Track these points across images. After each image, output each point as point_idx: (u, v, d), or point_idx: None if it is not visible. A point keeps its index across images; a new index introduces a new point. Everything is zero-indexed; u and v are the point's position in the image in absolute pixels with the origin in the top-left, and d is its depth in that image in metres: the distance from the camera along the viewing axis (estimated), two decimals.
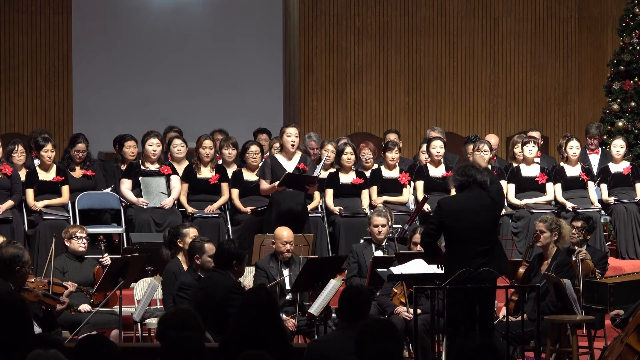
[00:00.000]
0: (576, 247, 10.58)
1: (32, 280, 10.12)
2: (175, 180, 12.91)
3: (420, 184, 13.23)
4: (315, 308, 9.93)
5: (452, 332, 9.04)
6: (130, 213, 12.76)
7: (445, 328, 9.25)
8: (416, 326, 9.56)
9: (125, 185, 12.92)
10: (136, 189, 12.87)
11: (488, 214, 9.14)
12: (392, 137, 14.17)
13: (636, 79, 15.00)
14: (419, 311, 9.59)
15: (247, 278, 10.73)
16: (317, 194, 12.98)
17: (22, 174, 12.75)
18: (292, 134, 12.71)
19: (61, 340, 7.36)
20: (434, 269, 9.40)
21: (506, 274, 10.36)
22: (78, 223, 12.19)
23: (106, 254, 11.11)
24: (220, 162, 13.22)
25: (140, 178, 12.90)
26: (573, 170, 13.63)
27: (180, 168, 13.05)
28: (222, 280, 9.03)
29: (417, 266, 9.62)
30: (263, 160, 13.07)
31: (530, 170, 13.52)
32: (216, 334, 8.30)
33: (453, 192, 12.98)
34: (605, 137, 14.54)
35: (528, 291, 9.68)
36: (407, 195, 13.25)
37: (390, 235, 11.24)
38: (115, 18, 17.02)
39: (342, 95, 16.89)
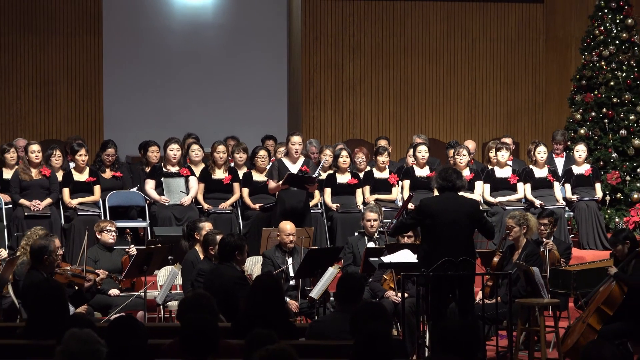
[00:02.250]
0: (544, 240, 10.60)
1: (68, 267, 10.15)
2: (193, 180, 12.92)
3: (407, 183, 13.26)
4: (315, 292, 9.94)
5: (435, 313, 9.08)
6: (154, 209, 12.77)
7: (429, 310, 9.27)
8: (403, 308, 9.57)
9: (149, 185, 12.92)
10: (159, 188, 12.87)
11: (465, 216, 9.16)
12: (382, 142, 14.18)
13: (596, 92, 15.00)
14: (406, 295, 9.62)
15: (256, 266, 10.75)
16: (317, 193, 13.00)
17: (59, 175, 12.75)
18: (296, 142, 12.81)
19: (94, 321, 7.38)
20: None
21: (482, 263, 10.42)
22: (108, 218, 12.21)
23: (132, 245, 11.11)
24: (232, 164, 13.22)
25: (162, 179, 12.90)
26: (541, 172, 13.64)
27: (198, 170, 13.05)
28: (228, 272, 9.06)
29: (405, 256, 9.63)
30: (271, 163, 13.10)
31: (503, 172, 13.53)
32: (225, 317, 8.33)
33: (436, 192, 13.13)
34: (569, 143, 14.54)
35: (501, 277, 9.69)
36: (395, 194, 13.26)
37: (381, 228, 11.23)
38: (140, 39, 17.02)
39: (339, 106, 16.89)
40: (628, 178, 14.80)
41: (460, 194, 9.42)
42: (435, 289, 9.03)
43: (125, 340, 5.78)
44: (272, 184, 12.69)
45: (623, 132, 14.90)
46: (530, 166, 13.76)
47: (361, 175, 13.28)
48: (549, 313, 10.05)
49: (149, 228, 12.67)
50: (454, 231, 9.02)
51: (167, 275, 10.50)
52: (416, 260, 9.40)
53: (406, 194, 13.02)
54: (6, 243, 11.69)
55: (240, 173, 13.05)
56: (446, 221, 9.02)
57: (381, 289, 10.28)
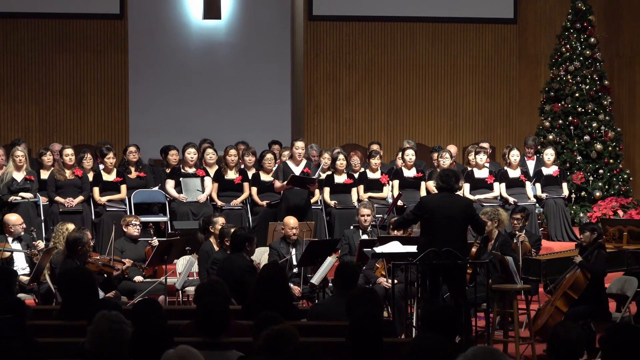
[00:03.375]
0: (517, 232, 10.60)
1: (98, 257, 10.17)
2: (207, 180, 12.93)
3: (396, 183, 13.26)
4: (315, 279, 9.95)
5: (426, 297, 9.10)
6: (173, 206, 12.78)
7: (417, 294, 9.28)
8: (393, 293, 9.60)
9: (169, 184, 12.93)
10: (177, 187, 12.88)
11: (460, 213, 9.18)
12: (374, 147, 14.18)
13: (563, 103, 15.01)
14: (395, 281, 9.63)
15: (263, 256, 10.75)
16: (317, 191, 13.00)
17: (90, 175, 12.75)
18: (299, 147, 12.91)
19: (120, 304, 7.38)
20: (407, 248, 9.44)
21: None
22: (133, 213, 12.22)
23: (155, 237, 11.12)
24: (242, 166, 13.23)
25: (181, 179, 12.91)
26: (514, 173, 13.64)
27: (212, 171, 13.06)
28: (239, 262, 9.08)
29: (394, 247, 9.63)
30: (277, 165, 13.11)
31: (481, 173, 13.53)
32: (236, 301, 8.34)
33: (423, 188, 13.15)
34: (539, 147, 14.54)
35: (479, 266, 9.71)
36: (386, 192, 13.26)
37: (374, 223, 11.23)
38: (161, 56, 17.02)
39: (336, 115, 16.88)
40: (591, 178, 14.82)
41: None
42: (429, 276, 9.07)
43: (148, 321, 5.78)
44: (277, 184, 12.72)
45: (587, 137, 14.92)
46: (505, 168, 13.76)
47: (356, 175, 13.28)
48: (522, 297, 10.06)
49: (169, 222, 12.67)
50: (449, 225, 9.05)
51: (185, 264, 10.51)
52: (405, 251, 9.43)
53: (396, 192, 13.04)
54: (43, 235, 11.69)
55: (250, 174, 13.05)
56: (442, 216, 9.05)
57: (374, 275, 10.28)
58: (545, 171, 13.93)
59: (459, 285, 9.12)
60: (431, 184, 12.72)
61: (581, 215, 14.37)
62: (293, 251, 10.56)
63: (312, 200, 12.84)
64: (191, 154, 13.01)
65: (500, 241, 10.09)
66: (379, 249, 9.68)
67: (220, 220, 10.46)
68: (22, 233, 10.59)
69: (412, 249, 9.33)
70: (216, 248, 10.07)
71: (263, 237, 11.70)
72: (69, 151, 12.72)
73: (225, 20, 17.18)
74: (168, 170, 13.25)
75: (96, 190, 12.64)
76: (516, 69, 17.08)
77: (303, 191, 12.63)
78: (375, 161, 13.34)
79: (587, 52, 15.11)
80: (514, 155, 13.68)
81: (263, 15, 17.26)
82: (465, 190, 13.29)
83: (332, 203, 12.92)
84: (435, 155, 13.63)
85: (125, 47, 16.37)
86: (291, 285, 9.58)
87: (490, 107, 17.02)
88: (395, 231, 10.46)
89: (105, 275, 9.90)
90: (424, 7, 16.79)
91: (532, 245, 10.80)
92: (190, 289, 10.24)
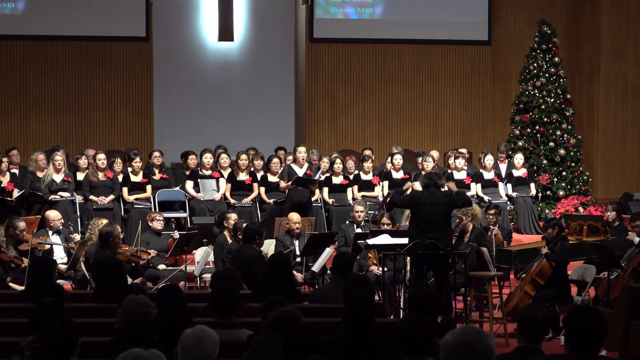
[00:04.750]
0: (491, 227, 10.61)
1: (127, 248, 10.17)
2: (222, 181, 12.92)
3: (386, 184, 13.25)
4: (316, 267, 9.95)
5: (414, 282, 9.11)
6: (192, 203, 12.77)
7: (404, 280, 9.28)
8: (383, 279, 9.61)
9: (189, 184, 12.92)
10: (196, 187, 12.88)
11: (441, 205, 9.22)
12: (367, 152, 14.16)
13: (530, 114, 15.01)
14: (385, 269, 9.64)
15: (270, 247, 10.75)
16: (317, 191, 13.00)
17: (120, 177, 12.76)
18: (301, 152, 12.99)
19: (146, 289, 7.39)
20: (396, 240, 9.45)
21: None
22: (157, 210, 12.22)
23: (176, 231, 11.14)
24: (252, 169, 13.22)
25: (198, 180, 12.90)
26: (488, 175, 13.65)
27: (226, 173, 13.04)
28: (249, 252, 9.08)
29: (384, 239, 9.64)
30: (282, 168, 13.12)
31: (460, 175, 13.52)
32: (246, 286, 8.34)
33: (408, 185, 13.13)
34: (510, 152, 14.55)
35: (458, 255, 9.71)
36: (377, 192, 13.25)
37: (367, 218, 11.24)
38: (182, 73, 17.01)
39: (334, 124, 16.87)
40: (555, 179, 14.82)
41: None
42: (414, 264, 9.09)
43: (171, 303, 5.78)
44: (282, 184, 12.74)
45: (551, 144, 14.92)
46: (481, 170, 13.77)
47: (351, 177, 13.27)
48: (495, 283, 10.06)
49: (188, 218, 12.66)
50: (433, 216, 9.13)
51: (202, 254, 10.51)
52: (393, 242, 9.44)
53: (386, 191, 13.03)
54: (79, 229, 11.70)
55: (258, 175, 13.04)
56: (427, 208, 9.14)
57: (366, 264, 10.28)
58: (516, 173, 13.93)
59: (442, 272, 9.13)
60: (417, 185, 12.71)
61: (547, 211, 14.37)
62: (296, 243, 10.56)
63: (313, 199, 12.84)
64: (208, 158, 13.01)
65: (476, 234, 10.10)
66: (371, 241, 9.69)
67: (233, 216, 10.47)
68: (61, 227, 10.59)
69: (400, 241, 9.34)
70: (229, 240, 10.07)
71: (270, 230, 11.70)
72: (101, 156, 12.74)
73: (238, 43, 17.18)
74: (187, 173, 13.25)
75: (125, 190, 12.64)
76: (490, 84, 17.08)
77: (305, 190, 12.66)
78: (367, 164, 13.34)
79: (552, 69, 15.11)
80: (488, 160, 13.69)
81: (270, 38, 17.27)
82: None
83: (330, 201, 12.92)
84: (420, 159, 13.63)
85: (150, 65, 16.37)
86: (295, 272, 9.59)
87: (467, 118, 17.01)
88: (385, 226, 10.47)
89: (133, 264, 9.89)
90: (410, 31, 16.79)
91: (504, 238, 10.81)
92: (207, 276, 10.26)
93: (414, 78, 16.94)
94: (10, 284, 9.18)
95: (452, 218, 9.83)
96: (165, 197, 12.89)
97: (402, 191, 9.80)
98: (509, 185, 13.82)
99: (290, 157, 13.62)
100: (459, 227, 10.25)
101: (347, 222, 11.55)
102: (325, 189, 13.06)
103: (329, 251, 10.00)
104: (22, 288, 8.65)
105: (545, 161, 14.91)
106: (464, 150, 14.45)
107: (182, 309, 5.62)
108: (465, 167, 13.78)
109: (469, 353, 3.82)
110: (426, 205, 9.15)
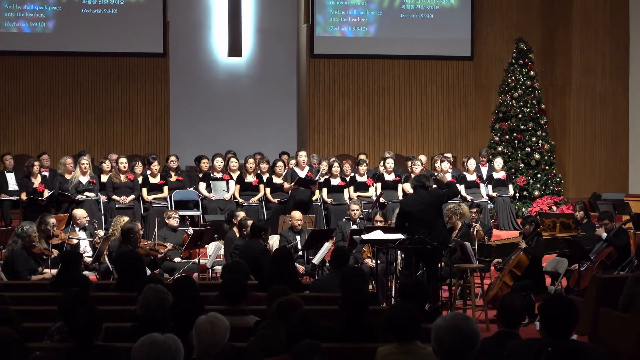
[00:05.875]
0: (473, 223, 10.61)
1: (146, 242, 10.16)
2: (231, 183, 12.92)
3: (379, 185, 13.26)
4: (316, 259, 9.95)
5: (406, 274, 9.11)
6: (205, 203, 12.77)
7: (395, 272, 9.26)
8: (377, 271, 9.60)
9: (202, 186, 12.93)
10: (208, 188, 12.89)
11: (429, 205, 9.20)
12: (362, 156, 14.17)
13: (509, 122, 15.03)
14: (378, 262, 9.63)
15: (275, 242, 10.75)
16: (317, 191, 13.00)
17: (140, 179, 12.77)
18: (302, 156, 13.02)
19: (163, 279, 7.38)
20: (388, 236, 9.44)
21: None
22: (173, 208, 12.21)
23: (190, 227, 11.12)
24: (259, 172, 13.23)
25: (210, 182, 12.91)
26: (471, 177, 13.65)
27: (235, 175, 13.05)
28: (256, 246, 9.07)
29: (377, 234, 9.63)
30: (285, 170, 13.11)
31: (445, 177, 13.53)
32: (253, 277, 8.34)
33: (400, 188, 13.14)
34: (490, 156, 14.56)
35: (444, 249, 9.70)
36: (371, 192, 13.26)
37: (362, 216, 11.25)
38: (195, 85, 17.02)
39: (332, 132, 16.86)
40: (531, 181, 14.84)
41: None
42: (404, 258, 9.08)
43: (185, 292, 5.78)
44: (286, 185, 12.74)
45: (528, 149, 14.94)
46: (464, 173, 13.77)
47: (347, 179, 13.28)
48: (477, 274, 10.06)
49: (201, 215, 12.67)
50: (423, 215, 9.10)
51: (214, 248, 10.50)
52: (386, 238, 9.43)
53: (378, 192, 13.05)
54: (103, 226, 11.70)
55: (264, 177, 13.05)
56: (417, 212, 9.13)
57: (361, 257, 10.29)
58: (495, 175, 13.94)
59: (432, 264, 9.12)
60: (407, 186, 12.72)
61: (523, 210, 14.37)
62: (298, 238, 10.56)
63: (313, 198, 12.84)
64: (219, 162, 13.02)
65: (462, 232, 10.11)
66: (365, 237, 9.68)
67: (241, 214, 10.45)
68: (87, 224, 10.59)
69: (392, 236, 9.33)
70: (238, 236, 10.06)
71: (275, 227, 11.71)
72: (123, 160, 12.73)
73: (245, 58, 17.19)
74: (200, 175, 13.25)
75: (144, 190, 12.64)
76: (472, 95, 17.08)
77: (306, 191, 12.66)
78: (362, 168, 13.35)
79: (528, 82, 15.13)
80: (471, 163, 13.70)
81: (275, 54, 17.27)
82: None
83: (329, 200, 12.92)
84: (409, 163, 13.63)
85: (167, 79, 16.37)
86: (297, 264, 9.60)
87: (452, 125, 17.02)
88: (378, 223, 10.47)
89: (152, 257, 9.89)
90: (401, 48, 16.80)
91: (485, 234, 10.80)
92: (218, 268, 10.24)
93: (404, 90, 16.95)
94: (44, 271, 9.14)
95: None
96: (180, 197, 12.89)
97: (398, 221, 9.59)
98: (490, 186, 13.82)
99: (293, 161, 13.62)
100: (448, 224, 10.25)
101: (344, 219, 11.56)
102: (324, 190, 13.06)
103: (327, 245, 10.00)
104: (54, 271, 8.67)
105: (522, 165, 14.92)
106: (449, 155, 14.46)
107: (196, 297, 5.61)
108: (450, 170, 13.78)
109: (458, 336, 3.84)
110: (415, 210, 9.15)
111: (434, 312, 6.49)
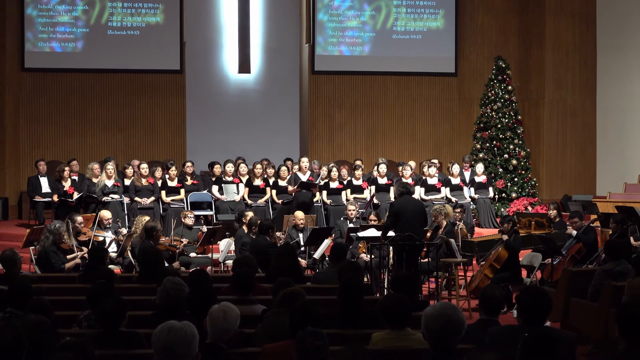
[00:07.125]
0: (457, 222, 10.60)
1: (165, 239, 10.16)
2: (241, 186, 12.92)
3: (373, 188, 13.25)
4: (317, 254, 9.96)
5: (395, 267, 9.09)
6: (217, 204, 12.77)
7: (387, 266, 9.25)
8: (371, 265, 9.59)
9: (215, 189, 12.93)
10: (220, 191, 12.88)
11: (417, 211, 9.19)
12: (358, 162, 14.17)
13: (489, 131, 15.02)
14: (373, 256, 9.63)
15: (279, 240, 10.76)
16: (318, 194, 13.00)
17: (159, 183, 12.76)
18: (305, 162, 13.03)
19: (180, 272, 7.38)
20: (381, 233, 9.43)
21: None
22: (189, 209, 12.21)
23: (204, 226, 11.12)
24: (265, 176, 13.23)
25: (222, 185, 12.91)
26: (455, 181, 13.64)
27: (244, 179, 13.05)
28: (263, 242, 9.08)
29: (372, 232, 9.64)
30: (289, 175, 13.11)
31: (432, 181, 13.53)
32: (261, 270, 8.34)
33: (392, 191, 13.13)
34: (472, 162, 14.55)
35: (431, 245, 9.70)
36: (366, 194, 13.25)
37: (357, 215, 11.25)
38: (209, 99, 17.01)
39: (331, 140, 16.84)
40: (509, 184, 14.81)
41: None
42: (395, 253, 9.08)
43: (200, 284, 5.78)
44: (290, 188, 12.74)
45: (506, 156, 14.93)
46: (449, 177, 13.76)
47: (345, 182, 13.27)
48: (461, 267, 10.06)
49: (214, 215, 12.67)
50: (411, 218, 9.09)
51: (225, 244, 10.51)
52: (379, 235, 9.42)
53: (372, 194, 13.04)
54: (126, 224, 11.70)
55: (270, 181, 13.05)
56: (407, 213, 9.10)
57: (357, 252, 10.29)
58: (477, 179, 13.93)
59: (414, 259, 9.11)
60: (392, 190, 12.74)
61: (502, 210, 14.36)
62: (301, 235, 10.57)
63: (315, 200, 12.84)
64: (230, 167, 13.02)
65: (448, 229, 10.11)
66: (361, 234, 9.70)
67: (249, 214, 10.46)
68: (112, 223, 10.59)
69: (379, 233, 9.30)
70: (247, 233, 10.05)
71: (280, 225, 11.70)
72: (144, 165, 12.74)
73: (254, 75, 17.19)
74: (213, 179, 13.25)
75: (163, 193, 12.64)
76: (457, 107, 17.09)
77: (308, 193, 12.65)
78: (358, 172, 13.34)
79: (506, 96, 15.13)
80: (455, 168, 13.69)
81: (280, 71, 17.28)
82: (420, 192, 13.30)
83: (328, 202, 12.91)
84: (400, 168, 13.62)
85: (184, 93, 16.37)
86: (300, 259, 9.60)
87: (438, 134, 17.02)
88: (372, 221, 10.47)
89: (170, 252, 9.89)
90: (392, 65, 16.81)
91: (468, 231, 10.82)
92: (229, 262, 10.25)
93: (395, 103, 16.96)
94: (72, 261, 9.11)
95: (428, 214, 9.83)
96: (195, 198, 12.89)
97: (387, 222, 9.52)
98: (472, 189, 13.81)
99: (296, 166, 13.61)
100: (434, 223, 10.25)
101: (342, 218, 11.56)
102: (324, 192, 13.06)
103: (327, 242, 10.00)
104: (78, 259, 8.67)
105: (500, 169, 14.91)
106: (435, 161, 14.44)
107: (209, 288, 5.61)
108: (437, 174, 13.78)
109: (446, 323, 3.86)
110: (406, 212, 9.13)
111: (423, 303, 6.47)
